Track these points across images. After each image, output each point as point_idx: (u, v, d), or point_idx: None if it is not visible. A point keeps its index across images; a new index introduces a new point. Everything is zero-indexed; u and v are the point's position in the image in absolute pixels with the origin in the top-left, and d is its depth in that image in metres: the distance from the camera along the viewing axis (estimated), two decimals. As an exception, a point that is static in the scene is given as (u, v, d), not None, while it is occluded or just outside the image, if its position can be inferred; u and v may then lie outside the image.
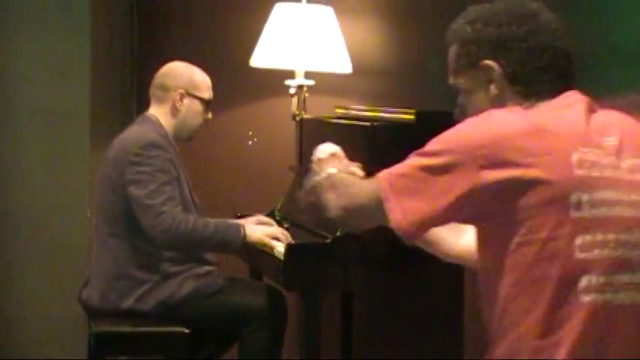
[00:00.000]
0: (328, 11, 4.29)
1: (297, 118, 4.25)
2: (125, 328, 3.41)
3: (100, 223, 3.53)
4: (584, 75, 4.16)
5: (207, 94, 3.64)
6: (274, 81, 4.37)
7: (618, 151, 1.78)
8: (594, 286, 1.70)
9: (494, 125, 1.75)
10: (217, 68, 3.89)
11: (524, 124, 1.74)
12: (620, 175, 1.76)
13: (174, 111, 3.58)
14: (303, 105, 4.27)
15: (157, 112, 3.60)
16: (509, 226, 1.71)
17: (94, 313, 3.48)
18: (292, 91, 4.26)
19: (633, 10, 4.14)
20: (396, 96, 4.46)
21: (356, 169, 2.18)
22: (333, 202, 1.93)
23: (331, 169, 2.10)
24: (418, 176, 1.76)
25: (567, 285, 1.70)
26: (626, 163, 1.78)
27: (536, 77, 1.87)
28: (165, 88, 3.60)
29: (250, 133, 4.46)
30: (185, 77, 3.61)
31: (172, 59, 3.72)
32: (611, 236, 1.72)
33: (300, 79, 4.26)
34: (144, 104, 3.72)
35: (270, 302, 3.57)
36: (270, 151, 4.52)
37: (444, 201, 1.74)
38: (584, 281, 1.70)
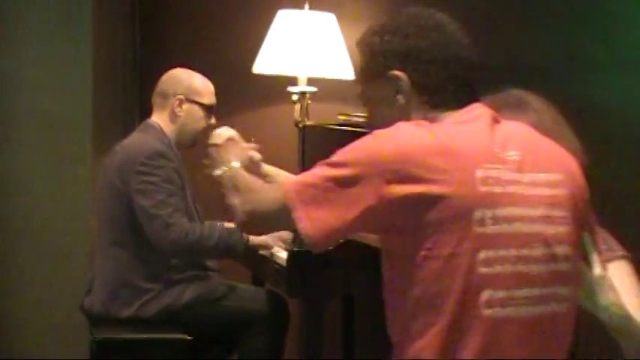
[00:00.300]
0: (331, 18, 4.29)
1: (300, 125, 4.25)
2: (127, 335, 3.40)
3: (103, 231, 3.53)
4: (587, 79, 4.17)
5: (208, 99, 3.64)
6: (277, 88, 4.36)
7: (520, 166, 1.81)
8: (495, 301, 1.73)
9: (402, 140, 1.77)
10: (220, 75, 3.88)
11: (431, 141, 1.76)
12: (521, 190, 1.79)
13: (174, 117, 3.58)
14: (305, 112, 4.27)
15: (159, 119, 3.60)
16: (414, 241, 1.74)
17: (96, 321, 3.48)
18: (295, 97, 4.26)
19: (636, 15, 4.14)
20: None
21: (254, 153, 2.26)
22: (239, 207, 1.95)
23: (234, 163, 2.15)
24: (325, 187, 1.77)
25: (469, 299, 1.73)
26: (528, 177, 1.81)
27: (442, 87, 1.89)
28: (164, 95, 3.60)
29: (253, 140, 4.44)
30: (184, 83, 3.61)
31: (175, 66, 3.73)
32: (512, 252, 1.75)
33: (302, 86, 4.25)
34: (147, 111, 3.72)
35: (272, 307, 3.57)
36: (272, 158, 4.48)
37: (351, 213, 1.76)
38: (485, 295, 1.73)
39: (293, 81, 4.27)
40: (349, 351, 4.00)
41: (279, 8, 4.28)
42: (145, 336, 3.40)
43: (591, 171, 4.21)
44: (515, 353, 1.76)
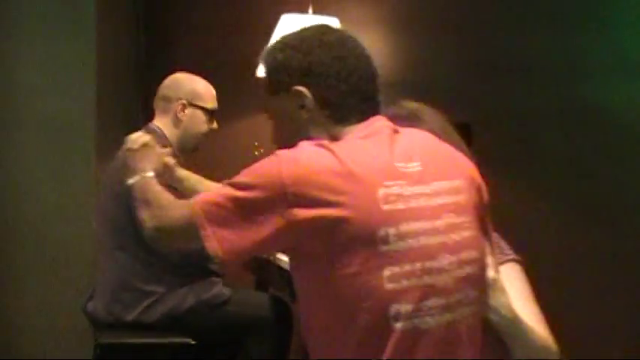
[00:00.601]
0: (334, 22, 4.29)
1: (303, 129, 4.25)
2: (131, 340, 3.40)
3: (106, 235, 3.53)
4: (591, 81, 4.17)
5: (211, 104, 3.64)
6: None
7: (423, 177, 1.85)
8: (404, 314, 1.77)
9: (303, 163, 1.80)
10: (224, 78, 3.89)
11: (332, 163, 1.79)
12: (424, 203, 1.84)
13: (177, 121, 3.58)
14: (308, 116, 4.27)
15: (161, 123, 3.60)
16: (321, 261, 1.77)
17: (99, 325, 3.48)
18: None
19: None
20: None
21: (168, 158, 2.27)
22: (148, 221, 1.99)
23: (148, 173, 2.17)
24: (230, 208, 1.81)
25: (378, 315, 1.76)
26: (431, 187, 1.86)
27: (345, 102, 1.92)
28: (167, 99, 3.60)
29: (256, 144, 4.46)
30: (187, 88, 3.61)
31: (178, 69, 3.73)
32: (417, 265, 1.79)
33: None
34: (150, 115, 3.72)
35: (276, 312, 3.57)
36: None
37: (255, 235, 1.79)
38: (393, 310, 1.77)
39: (296, 85, 4.27)
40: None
41: (282, 12, 4.29)
42: (149, 340, 3.40)
43: (594, 172, 4.22)
44: None
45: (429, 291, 1.80)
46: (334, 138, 1.90)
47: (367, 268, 1.75)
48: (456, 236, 1.86)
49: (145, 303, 3.42)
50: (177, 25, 4.64)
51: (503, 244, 2.21)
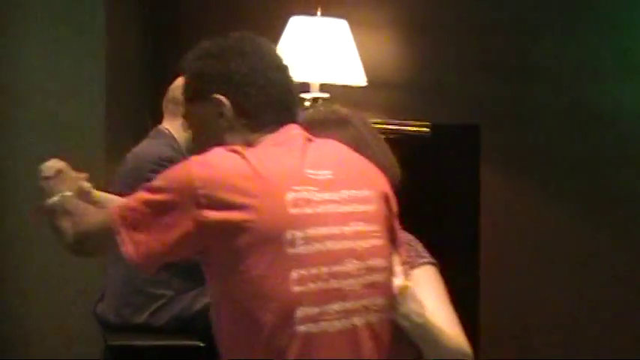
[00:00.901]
0: (343, 24, 4.29)
1: (312, 131, 4.24)
2: (140, 342, 3.40)
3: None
4: (598, 84, 4.16)
5: (221, 106, 3.64)
6: (289, 94, 4.36)
7: (332, 185, 1.89)
8: (309, 317, 1.81)
9: (213, 166, 1.84)
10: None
11: (242, 166, 1.83)
12: (333, 209, 1.87)
13: (186, 124, 3.57)
14: (317, 118, 4.26)
15: (170, 125, 3.60)
16: (230, 263, 1.80)
17: (108, 328, 3.48)
18: (307, 104, 4.26)
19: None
20: (411, 109, 4.45)
21: (83, 183, 2.30)
22: (69, 230, 2.02)
23: (66, 193, 2.21)
24: (144, 211, 1.84)
25: (284, 317, 1.79)
26: (341, 195, 1.90)
27: (261, 111, 1.97)
28: (177, 102, 3.59)
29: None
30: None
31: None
32: (324, 269, 1.83)
33: (315, 92, 4.25)
34: (159, 117, 3.72)
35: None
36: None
37: (169, 237, 1.82)
38: (299, 313, 1.80)
39: (305, 87, 4.27)
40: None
41: (291, 15, 4.29)
42: (159, 343, 3.40)
43: (604, 173, 4.21)
44: None
45: (336, 295, 1.84)
46: (250, 145, 1.94)
47: (274, 270, 1.79)
48: (364, 244, 1.90)
49: (154, 306, 3.42)
50: (186, 27, 4.64)
51: (420, 247, 2.27)
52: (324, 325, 1.82)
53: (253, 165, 1.83)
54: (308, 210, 1.84)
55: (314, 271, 1.82)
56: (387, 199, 2.00)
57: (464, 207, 3.67)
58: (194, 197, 1.79)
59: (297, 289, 1.79)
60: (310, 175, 1.88)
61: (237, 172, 1.82)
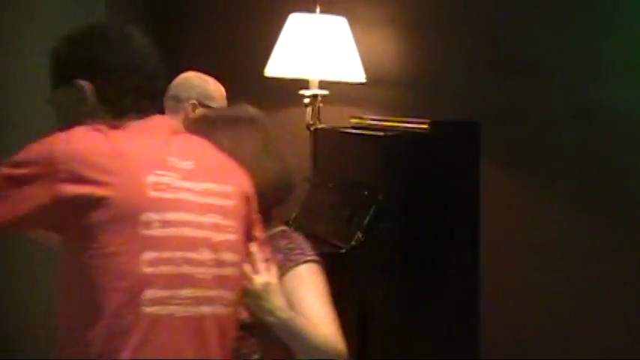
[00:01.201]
0: (342, 21, 4.29)
1: (312, 128, 4.25)
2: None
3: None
4: (600, 81, 4.16)
5: (222, 104, 3.64)
6: (288, 91, 4.37)
7: (194, 175, 1.93)
8: (157, 299, 1.82)
9: (75, 142, 1.86)
10: (232, 78, 3.88)
11: (104, 144, 1.86)
12: (192, 198, 1.91)
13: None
14: (317, 115, 4.27)
15: (171, 122, 3.59)
16: (83, 239, 1.81)
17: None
18: (306, 100, 4.26)
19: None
20: (411, 106, 4.45)
21: None
22: None
23: None
24: (2, 184, 1.86)
25: (132, 297, 1.80)
26: (200, 186, 1.93)
27: (125, 98, 1.98)
28: (177, 99, 3.60)
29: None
30: (198, 88, 3.60)
31: (187, 69, 3.72)
32: (177, 254, 1.85)
33: (314, 89, 4.25)
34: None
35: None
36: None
37: (24, 209, 1.83)
38: (148, 294, 1.81)
39: (304, 84, 4.28)
40: (363, 354, 3.99)
41: (290, 12, 4.28)
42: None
43: (605, 172, 4.20)
44: (175, 351, 1.84)
45: (187, 281, 1.86)
46: None
47: (126, 249, 1.80)
48: (219, 236, 1.93)
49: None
50: (185, 25, 4.64)
51: (305, 245, 2.34)
52: (171, 309, 1.83)
53: (116, 145, 1.86)
54: (168, 195, 1.86)
55: (167, 254, 1.84)
56: (247, 199, 2.04)
57: (464, 205, 3.66)
58: (54, 172, 1.81)
59: (148, 270, 1.81)
60: (172, 163, 1.91)
61: (99, 150, 1.84)
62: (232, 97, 3.72)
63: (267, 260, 2.13)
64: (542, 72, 4.29)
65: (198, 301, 1.87)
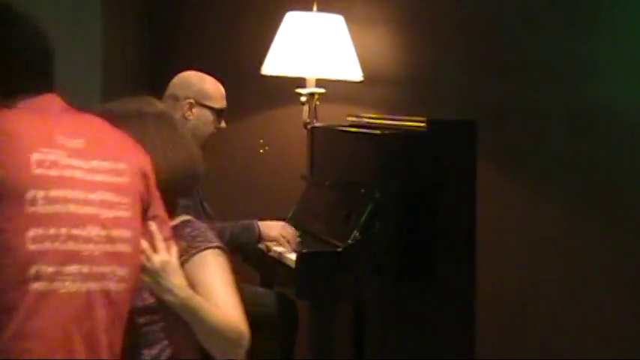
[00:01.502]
0: (339, 19, 4.29)
1: (309, 127, 4.25)
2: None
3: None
4: (597, 81, 4.17)
5: (219, 103, 3.63)
6: (285, 89, 4.37)
7: (83, 153, 1.94)
8: (44, 275, 1.82)
9: None
10: (228, 76, 3.88)
11: None
12: (80, 175, 1.92)
13: (184, 120, 3.57)
14: (314, 113, 4.27)
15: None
16: None
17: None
18: (303, 99, 4.26)
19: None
20: (407, 104, 4.45)
21: None
22: None
23: None
24: None
25: (17, 274, 1.80)
26: (91, 164, 1.95)
27: (14, 76, 2.00)
28: (175, 98, 3.60)
29: (261, 142, 4.46)
30: (195, 87, 3.60)
31: (184, 69, 3.72)
32: (63, 230, 1.86)
33: (311, 88, 4.26)
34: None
35: (281, 310, 3.57)
36: (281, 160, 4.52)
37: None
38: (33, 270, 1.81)
39: (301, 82, 4.28)
40: (359, 353, 4.00)
41: (287, 10, 4.28)
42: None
43: (601, 172, 4.21)
44: (60, 325, 1.84)
45: (73, 257, 1.86)
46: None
47: (11, 226, 1.80)
48: (109, 213, 1.94)
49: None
50: (182, 24, 4.64)
51: (210, 234, 2.35)
52: (57, 285, 1.84)
53: (1, 123, 1.87)
54: (53, 172, 1.87)
55: (52, 231, 1.84)
56: (144, 176, 2.04)
57: (460, 204, 3.67)
58: None
59: (33, 247, 1.81)
60: (60, 141, 1.92)
61: None
62: (229, 95, 3.73)
63: (166, 239, 2.15)
64: (539, 71, 4.29)
65: (85, 277, 1.88)
